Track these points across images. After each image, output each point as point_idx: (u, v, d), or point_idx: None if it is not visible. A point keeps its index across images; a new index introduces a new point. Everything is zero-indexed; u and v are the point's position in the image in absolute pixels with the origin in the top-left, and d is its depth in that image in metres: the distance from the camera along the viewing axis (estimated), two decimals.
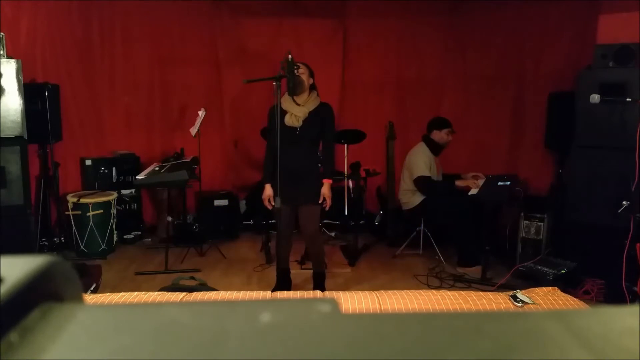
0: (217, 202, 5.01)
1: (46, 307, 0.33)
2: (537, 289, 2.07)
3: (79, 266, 3.62)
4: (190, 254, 4.51)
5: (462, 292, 2.00)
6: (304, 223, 3.41)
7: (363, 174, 4.79)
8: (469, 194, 4.16)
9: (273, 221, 4.22)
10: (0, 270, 0.32)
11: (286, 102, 3.28)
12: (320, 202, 3.28)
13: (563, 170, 4.50)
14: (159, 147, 5.34)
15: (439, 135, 4.46)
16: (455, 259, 4.25)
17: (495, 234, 4.49)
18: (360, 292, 1.99)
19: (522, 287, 2.13)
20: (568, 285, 3.49)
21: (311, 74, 3.30)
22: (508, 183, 4.03)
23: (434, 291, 2.00)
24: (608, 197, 3.60)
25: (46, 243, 4.42)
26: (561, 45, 4.66)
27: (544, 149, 4.74)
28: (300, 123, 3.23)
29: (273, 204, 3.20)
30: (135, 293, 1.97)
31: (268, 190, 3.37)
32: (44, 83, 4.24)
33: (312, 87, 3.31)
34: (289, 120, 3.22)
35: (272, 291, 2.76)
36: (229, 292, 2.16)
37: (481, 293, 2.01)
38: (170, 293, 2.03)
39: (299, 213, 3.38)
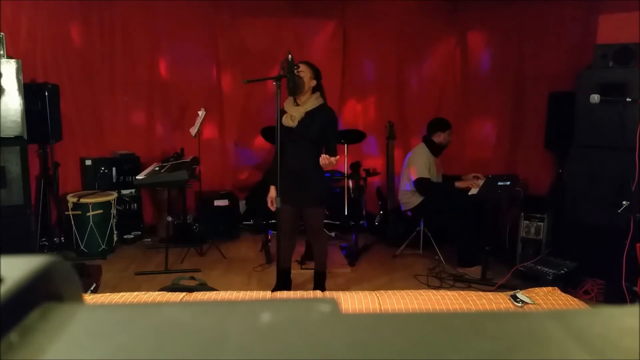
0: (217, 202, 5.01)
1: (46, 307, 0.33)
2: (537, 289, 2.07)
3: (79, 266, 3.62)
4: (190, 254, 4.51)
5: (462, 292, 2.00)
6: (308, 224, 3.43)
7: (363, 174, 4.79)
8: (469, 194, 4.17)
9: (273, 221, 4.23)
10: (0, 270, 0.32)
11: (287, 103, 3.30)
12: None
13: (563, 170, 4.50)
14: (159, 147, 5.34)
15: (442, 137, 4.45)
16: (455, 259, 4.26)
17: (495, 234, 4.49)
18: (360, 292, 1.99)
19: (522, 287, 2.13)
20: (568, 285, 3.49)
21: (316, 76, 3.27)
22: (508, 183, 4.03)
23: (434, 291, 2.00)
24: (608, 197, 3.60)
25: (46, 243, 4.42)
26: (561, 45, 4.66)
27: (544, 149, 4.74)
28: (296, 123, 3.22)
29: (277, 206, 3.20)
30: (135, 293, 1.97)
31: (272, 191, 3.38)
32: (44, 83, 4.24)
33: (316, 89, 3.30)
34: (285, 120, 3.23)
35: (272, 291, 2.76)
36: (229, 292, 2.17)
37: (481, 293, 2.01)
38: (170, 293, 2.03)
39: (303, 214, 3.38)
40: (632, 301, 3.21)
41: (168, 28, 5.23)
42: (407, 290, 2.00)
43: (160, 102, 5.35)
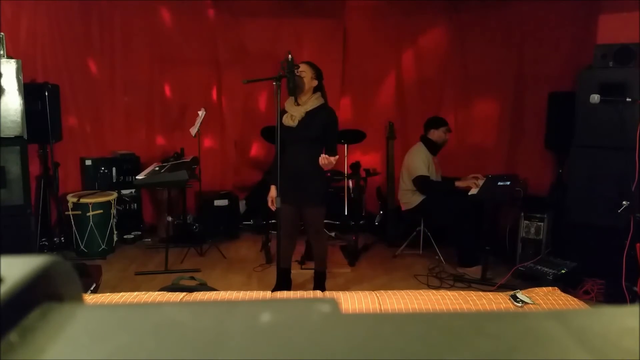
0: (217, 202, 5.01)
1: (46, 307, 0.33)
2: (537, 289, 2.07)
3: (79, 266, 3.62)
4: (190, 254, 4.51)
5: (462, 292, 2.00)
6: (309, 224, 3.43)
7: (363, 174, 4.79)
8: (469, 194, 4.16)
9: (273, 221, 4.23)
10: (0, 270, 0.32)
11: (288, 102, 3.30)
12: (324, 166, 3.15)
13: (563, 170, 4.50)
14: (159, 147, 5.34)
15: (437, 134, 4.46)
16: (455, 259, 4.25)
17: (495, 234, 4.48)
18: (360, 292, 1.99)
19: (522, 287, 2.13)
20: (568, 285, 3.49)
21: (317, 76, 3.27)
22: (508, 183, 4.03)
23: (434, 291, 2.00)
24: (608, 197, 3.60)
25: (46, 243, 4.42)
26: (561, 45, 4.66)
27: (544, 149, 4.74)
28: (296, 123, 3.22)
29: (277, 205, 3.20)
30: (135, 293, 1.97)
31: (273, 191, 3.38)
32: (44, 83, 4.24)
33: (317, 89, 3.29)
34: (285, 120, 3.23)
35: (272, 291, 2.76)
36: (229, 292, 2.17)
37: (481, 293, 2.01)
38: (170, 293, 2.03)
39: (303, 214, 3.38)
40: (632, 301, 3.21)
41: (168, 28, 5.23)
42: (407, 290, 2.00)
43: (160, 102, 5.36)
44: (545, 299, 1.97)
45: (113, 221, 4.60)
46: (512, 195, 4.12)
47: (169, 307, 0.35)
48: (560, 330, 0.31)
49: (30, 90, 3.94)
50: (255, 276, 4.10)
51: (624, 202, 3.35)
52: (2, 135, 3.59)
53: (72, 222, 4.43)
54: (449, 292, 1.99)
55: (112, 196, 4.63)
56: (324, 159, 3.04)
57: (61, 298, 0.35)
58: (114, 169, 4.98)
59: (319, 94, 3.29)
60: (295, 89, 3.13)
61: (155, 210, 5.25)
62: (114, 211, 4.61)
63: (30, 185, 3.88)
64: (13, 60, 3.66)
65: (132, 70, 5.19)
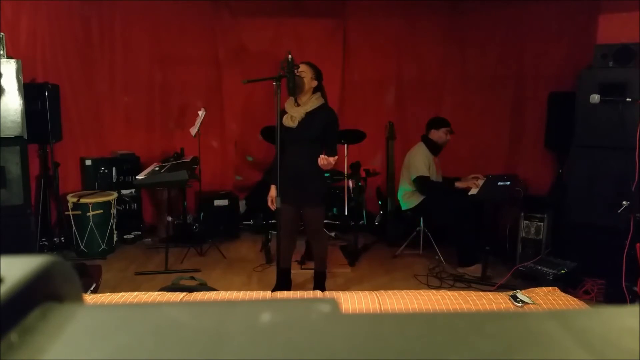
0: (217, 202, 5.01)
1: (46, 307, 0.33)
2: (537, 289, 2.07)
3: (79, 266, 3.62)
4: (190, 254, 4.51)
5: (462, 292, 2.00)
6: (308, 224, 3.43)
7: (363, 174, 4.79)
8: (469, 194, 4.16)
9: (273, 221, 4.23)
10: (0, 270, 0.32)
11: (288, 103, 3.30)
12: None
13: (563, 170, 4.50)
14: (159, 147, 5.34)
15: (437, 135, 4.46)
16: (455, 259, 4.25)
17: (495, 234, 4.48)
18: (360, 292, 1.99)
19: (522, 287, 2.13)
20: (568, 285, 3.49)
21: (317, 77, 3.27)
22: (508, 183, 4.03)
23: (434, 291, 2.00)
24: (608, 197, 3.60)
25: (46, 243, 4.41)
26: (561, 45, 4.66)
27: (544, 149, 4.74)
28: (296, 124, 3.22)
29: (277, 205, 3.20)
30: (135, 293, 1.97)
31: (273, 191, 3.39)
32: (44, 83, 4.24)
33: (317, 89, 3.29)
34: (285, 121, 3.23)
35: (272, 291, 2.76)
36: (229, 292, 2.17)
37: (481, 293, 2.01)
38: (170, 293, 2.03)
39: (303, 214, 3.38)
40: (632, 301, 3.21)
41: (168, 28, 5.23)
42: (407, 290, 2.00)
43: (160, 102, 5.36)
44: (545, 299, 1.97)
45: (113, 221, 4.60)
46: (512, 195, 4.12)
47: (169, 307, 0.35)
48: (560, 331, 0.31)
49: (30, 90, 3.94)
50: (255, 276, 4.10)
51: (624, 202, 3.35)
52: (2, 135, 3.59)
53: (72, 222, 4.43)
54: (449, 292, 1.99)
55: (112, 196, 4.63)
56: (323, 160, 3.04)
57: (61, 298, 0.35)
58: (114, 169, 4.98)
59: (318, 94, 3.29)
60: (295, 89, 3.13)
61: (155, 210, 5.25)
62: (114, 211, 4.61)
63: (30, 185, 3.88)
64: (13, 60, 3.65)
65: (132, 70, 5.19)
